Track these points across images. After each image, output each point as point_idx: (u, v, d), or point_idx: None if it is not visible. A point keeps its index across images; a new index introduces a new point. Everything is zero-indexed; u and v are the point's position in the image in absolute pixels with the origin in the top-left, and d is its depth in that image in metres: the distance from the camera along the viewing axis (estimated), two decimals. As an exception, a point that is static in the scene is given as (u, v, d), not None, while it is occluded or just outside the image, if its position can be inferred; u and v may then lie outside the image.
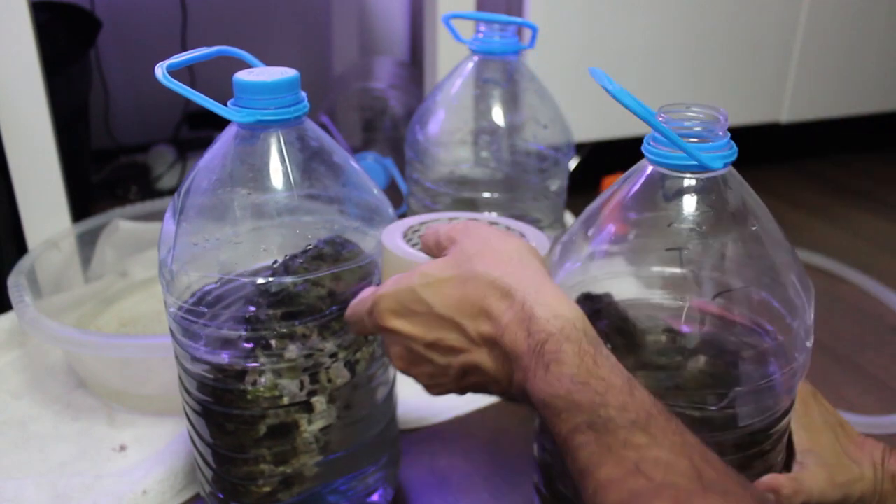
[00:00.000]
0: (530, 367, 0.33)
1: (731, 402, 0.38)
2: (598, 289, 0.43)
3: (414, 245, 0.44)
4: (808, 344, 0.39)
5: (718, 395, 0.38)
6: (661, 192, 0.38)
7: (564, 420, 0.31)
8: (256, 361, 0.43)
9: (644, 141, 0.38)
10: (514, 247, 0.37)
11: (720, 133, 0.36)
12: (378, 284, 0.47)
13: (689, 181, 0.37)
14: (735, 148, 0.37)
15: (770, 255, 0.39)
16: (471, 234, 0.38)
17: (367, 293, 0.40)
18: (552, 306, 0.34)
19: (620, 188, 0.40)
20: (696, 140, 0.36)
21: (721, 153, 0.36)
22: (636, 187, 0.39)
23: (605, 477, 0.29)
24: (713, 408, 0.38)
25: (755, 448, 0.40)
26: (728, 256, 0.39)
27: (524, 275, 0.35)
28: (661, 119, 0.36)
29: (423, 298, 0.37)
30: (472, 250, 0.37)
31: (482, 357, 0.36)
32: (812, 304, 0.39)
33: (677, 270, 0.39)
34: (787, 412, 0.41)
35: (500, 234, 0.39)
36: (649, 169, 0.38)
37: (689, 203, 0.37)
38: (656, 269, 0.40)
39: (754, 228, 0.38)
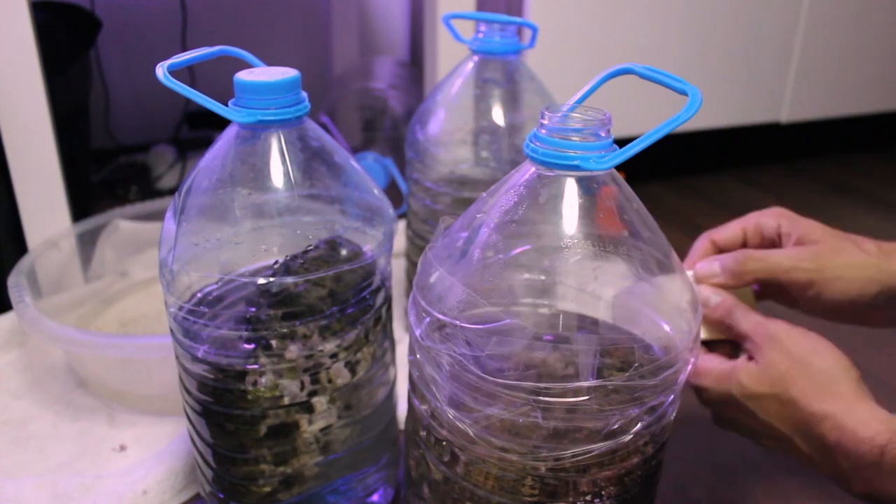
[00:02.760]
0: (865, 475, 0.37)
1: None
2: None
3: None
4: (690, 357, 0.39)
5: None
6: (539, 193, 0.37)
7: None
8: (257, 362, 0.43)
9: (527, 140, 0.37)
10: (829, 365, 0.40)
11: (602, 134, 0.36)
12: (383, 285, 0.47)
13: (569, 182, 0.36)
14: (616, 151, 0.36)
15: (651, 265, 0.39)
16: (780, 347, 0.41)
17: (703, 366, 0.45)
18: (870, 425, 0.38)
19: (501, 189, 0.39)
20: (578, 139, 0.35)
21: (600, 154, 0.35)
22: (517, 188, 0.38)
23: None
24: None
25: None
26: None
27: (837, 402, 0.39)
28: (545, 118, 0.36)
29: (745, 406, 0.42)
30: (783, 367, 0.41)
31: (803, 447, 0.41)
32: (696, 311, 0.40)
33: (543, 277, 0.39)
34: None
35: (811, 347, 0.41)
36: (531, 169, 0.37)
37: (569, 205, 0.37)
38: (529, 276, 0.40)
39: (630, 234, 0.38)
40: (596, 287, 0.39)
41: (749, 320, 0.44)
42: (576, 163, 0.35)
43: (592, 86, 0.38)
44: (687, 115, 0.34)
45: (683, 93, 0.35)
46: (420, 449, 0.43)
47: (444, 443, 0.40)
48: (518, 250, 0.39)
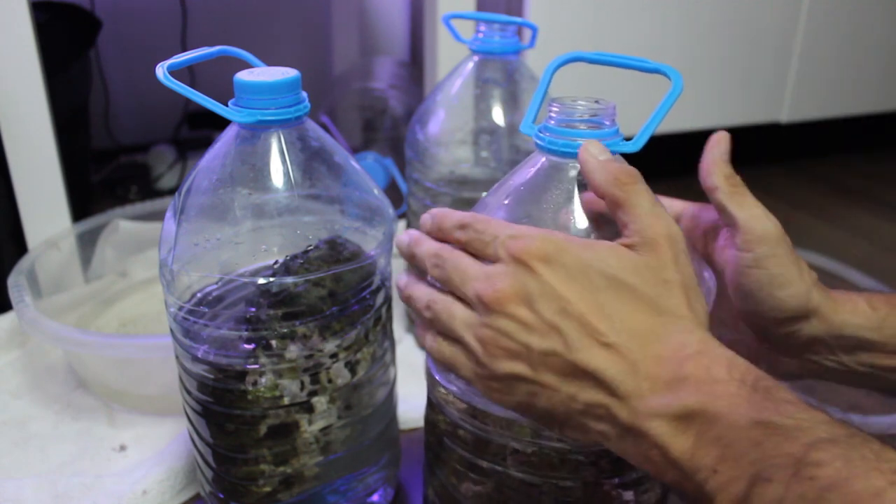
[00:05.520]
0: (730, 392, 0.30)
1: None
2: None
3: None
4: None
5: None
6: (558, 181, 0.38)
7: (796, 438, 0.29)
8: (257, 362, 0.43)
9: (535, 131, 0.39)
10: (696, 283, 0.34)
11: (608, 123, 0.37)
12: (383, 285, 0.47)
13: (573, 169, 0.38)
14: (619, 137, 0.38)
15: None
16: (673, 241, 0.34)
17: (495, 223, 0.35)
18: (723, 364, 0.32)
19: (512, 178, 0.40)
20: (585, 128, 0.37)
21: (605, 141, 0.37)
22: (528, 176, 0.39)
23: (865, 489, 0.27)
24: None
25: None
26: None
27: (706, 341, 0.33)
28: (554, 109, 0.38)
29: (601, 301, 0.32)
30: (670, 271, 0.33)
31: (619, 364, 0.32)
32: None
33: None
34: None
35: (690, 257, 0.35)
36: (542, 158, 0.39)
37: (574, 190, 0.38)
38: None
39: None
40: None
41: (650, 200, 0.35)
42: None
43: (545, 78, 0.40)
44: (677, 88, 0.36)
45: (656, 71, 0.36)
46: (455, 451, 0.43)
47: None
48: None
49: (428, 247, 0.38)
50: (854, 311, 0.42)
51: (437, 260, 0.37)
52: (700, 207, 0.45)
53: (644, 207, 0.34)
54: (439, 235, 0.38)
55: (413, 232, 0.39)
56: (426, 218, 0.39)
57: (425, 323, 0.38)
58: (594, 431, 0.33)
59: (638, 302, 0.33)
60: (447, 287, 0.36)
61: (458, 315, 0.35)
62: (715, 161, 0.42)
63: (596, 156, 0.35)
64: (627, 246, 0.34)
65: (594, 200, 0.37)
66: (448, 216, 0.37)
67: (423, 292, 0.38)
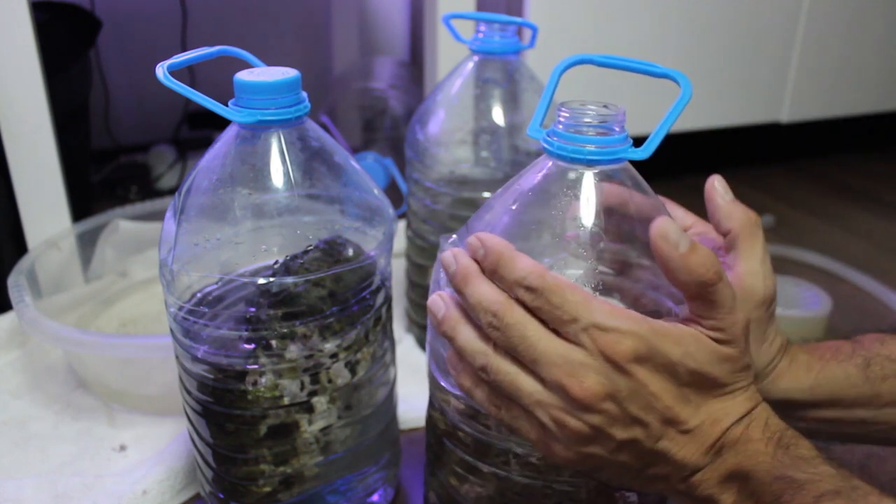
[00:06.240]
0: (760, 450, 0.34)
1: None
2: None
3: None
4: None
5: None
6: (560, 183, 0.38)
7: (807, 491, 0.32)
8: (257, 362, 0.43)
9: (543, 135, 0.38)
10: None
11: (617, 128, 0.37)
12: (383, 285, 0.47)
13: (586, 173, 0.38)
14: (628, 143, 0.37)
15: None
16: (748, 326, 0.35)
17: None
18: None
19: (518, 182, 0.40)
20: (594, 133, 0.37)
21: (615, 148, 0.37)
22: (535, 181, 0.39)
23: None
24: None
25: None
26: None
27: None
28: (563, 114, 0.37)
29: (667, 382, 0.33)
30: (745, 358, 0.35)
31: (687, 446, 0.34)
32: None
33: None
34: None
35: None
36: (549, 163, 0.38)
37: (587, 195, 0.38)
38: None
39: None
40: (610, 275, 0.39)
41: (732, 295, 0.34)
42: (617, 155, 0.37)
43: (552, 81, 0.39)
44: (686, 94, 0.35)
45: (665, 76, 0.36)
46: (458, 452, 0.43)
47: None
48: (537, 243, 0.39)
49: (481, 293, 0.34)
50: (786, 376, 0.43)
51: (496, 322, 0.33)
52: (707, 228, 0.45)
53: (727, 306, 0.34)
54: (494, 280, 0.35)
55: (461, 256, 0.36)
56: (474, 243, 0.35)
57: (474, 374, 0.36)
58: (650, 489, 0.36)
59: (717, 389, 0.34)
60: (508, 351, 0.34)
61: (525, 390, 0.34)
62: (724, 206, 0.43)
63: (676, 246, 0.33)
64: (710, 337, 0.34)
65: (609, 194, 0.37)
66: (508, 263, 0.34)
67: (473, 347, 0.35)
